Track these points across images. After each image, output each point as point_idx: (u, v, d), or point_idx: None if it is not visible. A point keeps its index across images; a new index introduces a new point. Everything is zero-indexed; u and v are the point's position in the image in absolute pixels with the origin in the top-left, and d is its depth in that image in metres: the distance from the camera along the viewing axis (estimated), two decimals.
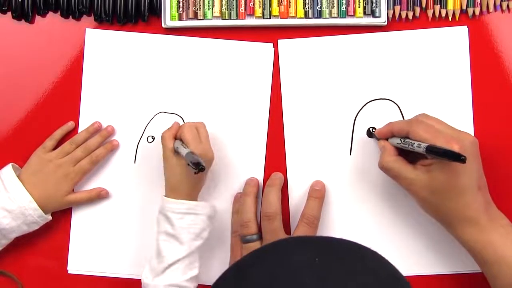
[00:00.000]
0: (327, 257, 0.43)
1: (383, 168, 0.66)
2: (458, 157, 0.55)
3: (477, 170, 0.62)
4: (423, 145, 0.60)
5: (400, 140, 0.64)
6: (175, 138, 0.69)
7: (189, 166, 0.62)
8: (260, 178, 0.74)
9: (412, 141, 0.62)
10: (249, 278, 0.43)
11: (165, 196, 0.68)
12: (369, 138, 0.72)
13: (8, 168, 0.72)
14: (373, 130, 0.72)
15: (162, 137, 0.69)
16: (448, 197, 0.61)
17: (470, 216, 0.61)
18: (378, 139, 0.69)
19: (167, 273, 0.65)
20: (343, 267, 0.42)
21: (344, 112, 0.73)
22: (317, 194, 0.71)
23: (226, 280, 0.46)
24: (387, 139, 0.67)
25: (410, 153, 0.64)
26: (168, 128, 0.70)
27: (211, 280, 0.74)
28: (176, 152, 0.67)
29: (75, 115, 0.76)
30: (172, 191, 0.68)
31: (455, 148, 0.58)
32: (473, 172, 0.61)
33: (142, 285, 0.67)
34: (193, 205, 0.67)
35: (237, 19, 0.73)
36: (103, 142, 0.75)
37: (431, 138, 0.60)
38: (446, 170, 0.60)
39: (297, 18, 0.73)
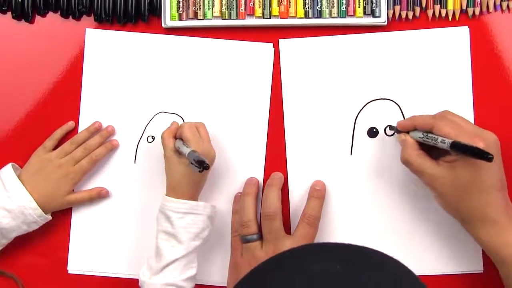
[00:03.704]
0: (347, 265, 0.42)
1: (406, 161, 0.65)
2: (483, 155, 0.54)
3: (499, 170, 0.62)
4: (448, 141, 0.59)
5: (423, 134, 0.64)
6: (175, 138, 0.69)
7: (192, 165, 0.62)
8: (260, 178, 0.74)
9: (436, 136, 0.61)
10: (266, 285, 0.42)
11: (166, 195, 0.68)
12: (370, 138, 0.72)
13: (8, 168, 0.72)
14: (390, 127, 0.71)
15: (162, 137, 0.69)
16: (470, 195, 0.61)
17: (490, 215, 0.61)
18: (398, 132, 0.68)
19: (165, 272, 0.65)
20: (363, 274, 0.42)
21: (344, 112, 0.73)
22: (318, 194, 0.71)
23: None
24: (407, 133, 0.66)
25: (432, 149, 0.64)
26: (167, 128, 0.70)
27: (211, 280, 0.74)
28: (177, 151, 0.67)
29: (75, 115, 0.76)
30: (173, 190, 0.68)
31: (480, 145, 0.58)
32: (495, 171, 0.61)
33: (139, 283, 0.67)
34: (193, 205, 0.67)
35: (237, 19, 0.73)
36: (103, 142, 0.75)
37: (455, 135, 0.60)
38: (470, 168, 0.59)
39: (297, 18, 0.73)
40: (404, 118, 0.72)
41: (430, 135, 0.63)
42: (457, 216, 0.64)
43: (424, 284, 0.43)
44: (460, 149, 0.57)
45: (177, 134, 0.69)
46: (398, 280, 0.43)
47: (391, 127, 0.71)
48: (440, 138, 0.60)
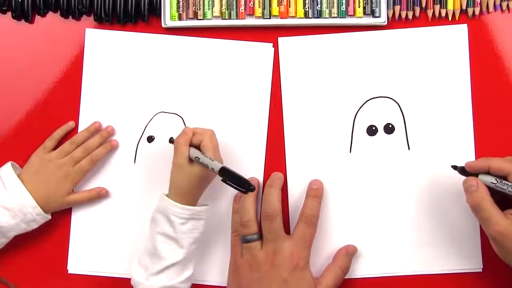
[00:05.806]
0: None
1: (477, 206, 0.59)
2: None
3: None
4: None
5: (496, 180, 0.59)
6: (190, 145, 0.67)
7: (229, 184, 0.63)
8: (260, 178, 0.74)
9: None
10: None
11: (168, 197, 0.66)
12: (370, 136, 0.72)
13: (7, 167, 0.72)
14: (455, 167, 0.64)
15: (177, 142, 0.66)
16: None
17: None
18: (464, 173, 0.63)
19: (163, 275, 0.65)
20: None
21: (344, 110, 0.73)
22: (315, 193, 0.71)
23: None
24: (476, 175, 0.62)
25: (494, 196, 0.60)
26: (182, 134, 0.67)
27: (211, 280, 0.74)
28: (190, 159, 0.66)
29: (75, 115, 0.76)
30: (179, 196, 0.66)
31: None
32: None
33: (132, 281, 0.67)
34: (197, 211, 0.67)
35: (237, 19, 0.73)
36: (103, 142, 0.75)
37: None
38: None
39: (297, 18, 0.73)
40: (404, 116, 0.72)
41: (505, 182, 0.59)
42: None
43: None
44: None
45: (193, 141, 0.67)
46: None
47: (454, 167, 0.64)
48: None
